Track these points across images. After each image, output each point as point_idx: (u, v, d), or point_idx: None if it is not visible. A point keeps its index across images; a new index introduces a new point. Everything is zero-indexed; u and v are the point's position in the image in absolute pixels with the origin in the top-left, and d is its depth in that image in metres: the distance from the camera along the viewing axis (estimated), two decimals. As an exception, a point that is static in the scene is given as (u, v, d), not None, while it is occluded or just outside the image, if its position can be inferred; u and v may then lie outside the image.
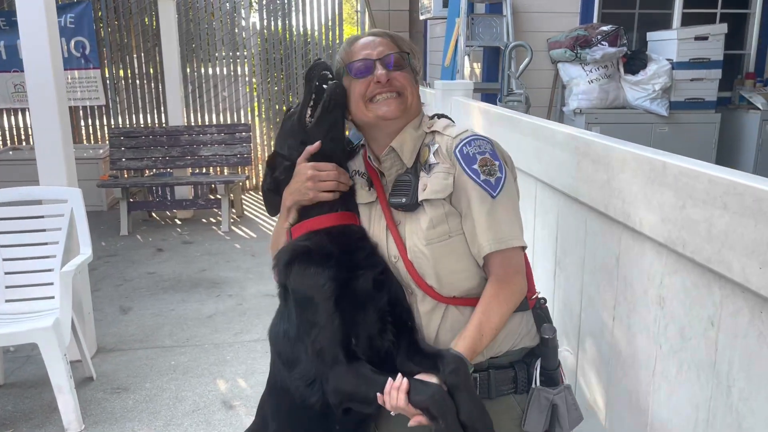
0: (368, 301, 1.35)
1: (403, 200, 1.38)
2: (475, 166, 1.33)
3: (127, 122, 7.52)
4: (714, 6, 5.07)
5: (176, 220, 6.74)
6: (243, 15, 7.68)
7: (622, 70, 4.73)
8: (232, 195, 6.41)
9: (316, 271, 1.36)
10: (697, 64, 4.66)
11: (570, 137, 1.56)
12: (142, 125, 7.50)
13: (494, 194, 1.31)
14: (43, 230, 3.41)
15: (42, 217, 3.37)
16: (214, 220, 6.69)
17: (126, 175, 6.89)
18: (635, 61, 4.69)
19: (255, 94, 7.89)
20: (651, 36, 4.93)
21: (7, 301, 3.29)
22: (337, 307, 1.33)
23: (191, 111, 7.52)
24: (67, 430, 2.95)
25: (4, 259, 3.33)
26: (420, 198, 1.36)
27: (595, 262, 1.49)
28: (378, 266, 1.39)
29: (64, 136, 3.37)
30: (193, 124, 7.44)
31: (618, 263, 1.37)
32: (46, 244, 3.40)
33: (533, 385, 1.38)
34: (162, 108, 7.55)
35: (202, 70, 7.63)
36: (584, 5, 5.00)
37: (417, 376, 1.25)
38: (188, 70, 7.46)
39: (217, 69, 7.70)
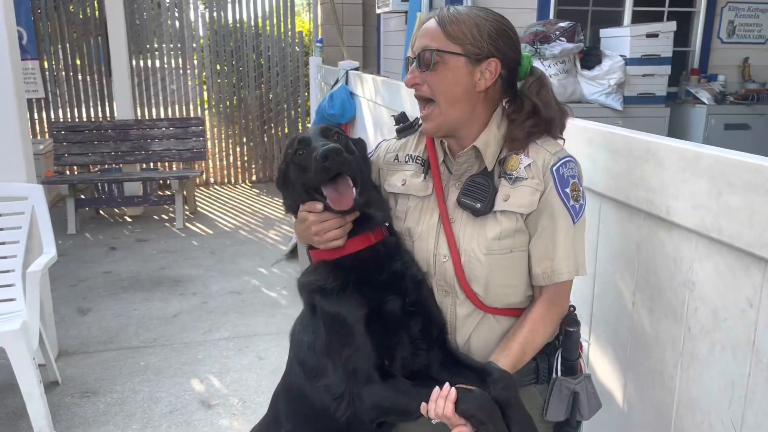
0: (399, 327, 1.32)
1: (478, 205, 1.30)
2: (567, 189, 1.28)
3: (68, 116, 7.21)
4: (662, 4, 5.28)
5: (126, 217, 6.52)
6: (191, 5, 7.47)
7: (578, 65, 4.87)
8: (185, 191, 6.24)
9: (345, 300, 1.33)
10: (648, 60, 4.85)
11: (582, 129, 1.60)
12: (85, 119, 7.21)
13: (576, 220, 1.29)
14: (1, 229, 3.24)
15: (1, 215, 3.19)
16: (166, 217, 6.50)
17: (68, 172, 6.61)
18: (591, 57, 4.84)
19: (204, 87, 7.71)
20: (604, 33, 5.10)
21: (-35, 304, 3.11)
22: (368, 331, 1.30)
23: (137, 104, 7.27)
24: (38, 437, 2.82)
25: (-39, 261, 3.14)
26: (500, 208, 1.30)
27: (611, 248, 1.54)
28: (409, 294, 1.34)
29: (22, 130, 3.21)
30: (139, 117, 7.20)
31: (639, 249, 1.43)
32: (4, 243, 3.23)
33: (554, 375, 1.39)
34: (107, 101, 7.28)
35: (149, 63, 7.39)
36: (541, 2, 5.11)
37: (457, 386, 1.24)
38: (134, 62, 7.20)
39: (165, 62, 7.47)
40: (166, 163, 7.16)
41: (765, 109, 5.12)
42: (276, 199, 7.21)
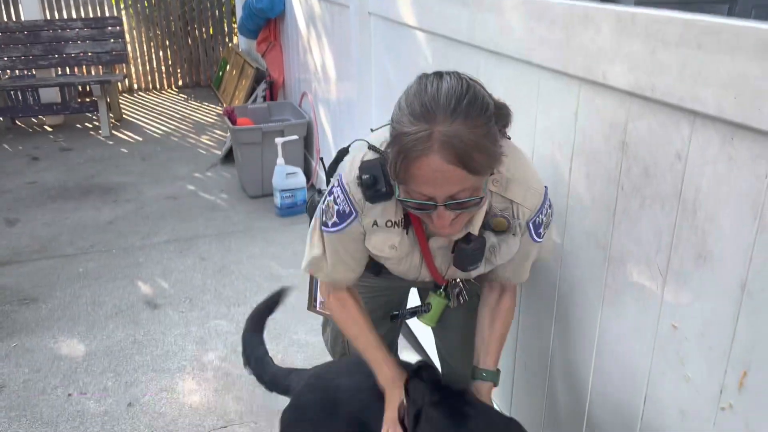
0: None
1: (478, 266, 1.36)
2: (540, 230, 1.36)
3: (-32, 18, 6.61)
4: None
5: (46, 127, 6.18)
6: None
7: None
8: (108, 98, 5.93)
9: None
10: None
11: (520, 2, 1.60)
12: (-8, 21, 6.63)
13: (542, 238, 1.39)
14: None
15: None
16: (90, 126, 6.20)
17: (-22, 79, 6.14)
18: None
19: (119, -16, 7.18)
20: None
21: None
22: None
23: (45, 4, 6.72)
24: (-21, 345, 2.77)
25: None
26: (496, 263, 1.38)
27: (549, 121, 1.59)
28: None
29: None
30: (49, 18, 6.67)
31: (576, 118, 1.48)
32: None
33: None
34: (10, 1, 6.69)
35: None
36: None
37: None
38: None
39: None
40: (84, 69, 6.75)
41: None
42: (206, 104, 6.97)
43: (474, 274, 1.41)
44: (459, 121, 1.06)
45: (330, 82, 3.85)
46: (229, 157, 5.05)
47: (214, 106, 6.85)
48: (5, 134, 5.93)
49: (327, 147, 4.11)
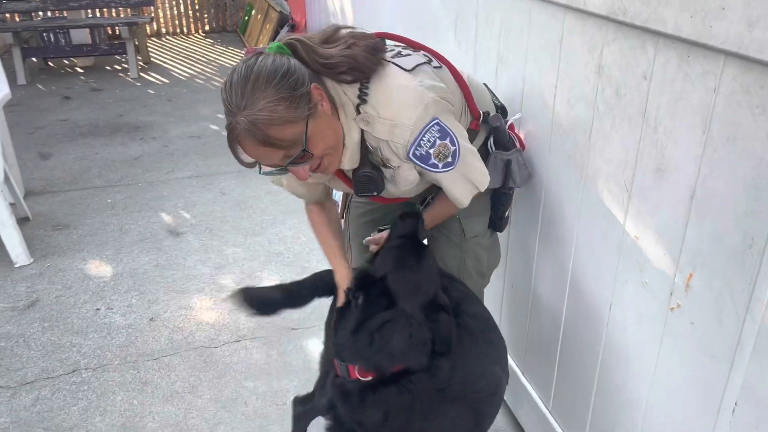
0: None
1: (375, 193, 1.48)
2: (432, 161, 1.39)
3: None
4: None
5: (77, 68, 6.36)
6: None
7: None
8: (136, 40, 6.06)
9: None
10: None
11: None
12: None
13: (455, 166, 1.42)
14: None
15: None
16: (119, 68, 6.37)
17: (10, 19, 6.31)
18: None
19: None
20: None
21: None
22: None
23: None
24: (16, 263, 3.00)
25: None
26: (396, 195, 1.52)
27: (538, 50, 1.67)
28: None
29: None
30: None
31: (561, 45, 1.55)
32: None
33: (490, 150, 1.62)
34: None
35: None
36: None
37: None
38: None
39: None
40: (113, 12, 6.87)
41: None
42: (231, 48, 7.06)
43: (397, 195, 1.56)
44: (248, 107, 1.21)
45: (348, 21, 3.92)
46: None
47: (239, 50, 6.94)
48: (38, 74, 6.12)
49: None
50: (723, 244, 1.12)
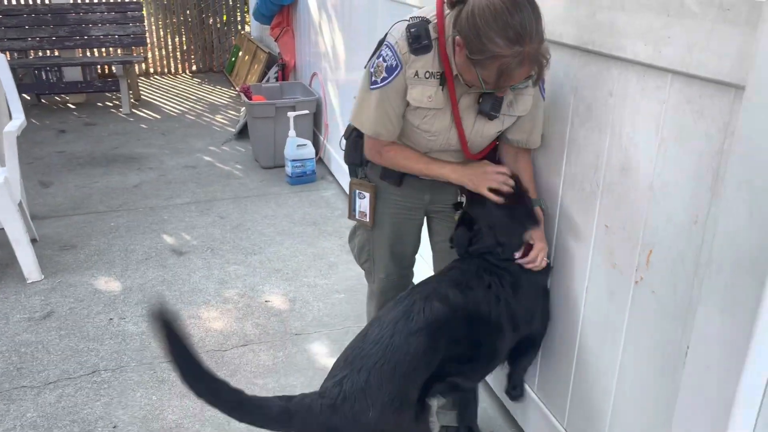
0: None
1: (495, 113, 1.68)
2: (544, 86, 1.73)
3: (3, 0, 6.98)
4: None
5: (69, 104, 6.57)
6: None
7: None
8: (128, 78, 6.31)
9: None
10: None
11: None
12: (22, 2, 7.01)
13: (544, 97, 1.76)
14: (-32, 97, 3.41)
15: (-33, 82, 3.35)
16: (110, 104, 6.59)
17: (9, 57, 6.51)
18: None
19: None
20: None
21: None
22: None
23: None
24: (28, 279, 3.17)
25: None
26: (515, 114, 1.73)
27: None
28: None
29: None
30: (79, 1, 7.05)
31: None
32: (-28, 111, 3.41)
33: None
34: (38, -15, 7.07)
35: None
36: None
37: None
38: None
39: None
40: (104, 51, 7.13)
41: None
42: (218, 87, 7.35)
43: (493, 130, 1.77)
44: (537, 41, 1.46)
45: (339, 62, 4.24)
46: (242, 134, 5.43)
47: (227, 89, 7.24)
48: (31, 110, 6.30)
49: (334, 123, 4.49)
50: (674, 223, 1.41)
